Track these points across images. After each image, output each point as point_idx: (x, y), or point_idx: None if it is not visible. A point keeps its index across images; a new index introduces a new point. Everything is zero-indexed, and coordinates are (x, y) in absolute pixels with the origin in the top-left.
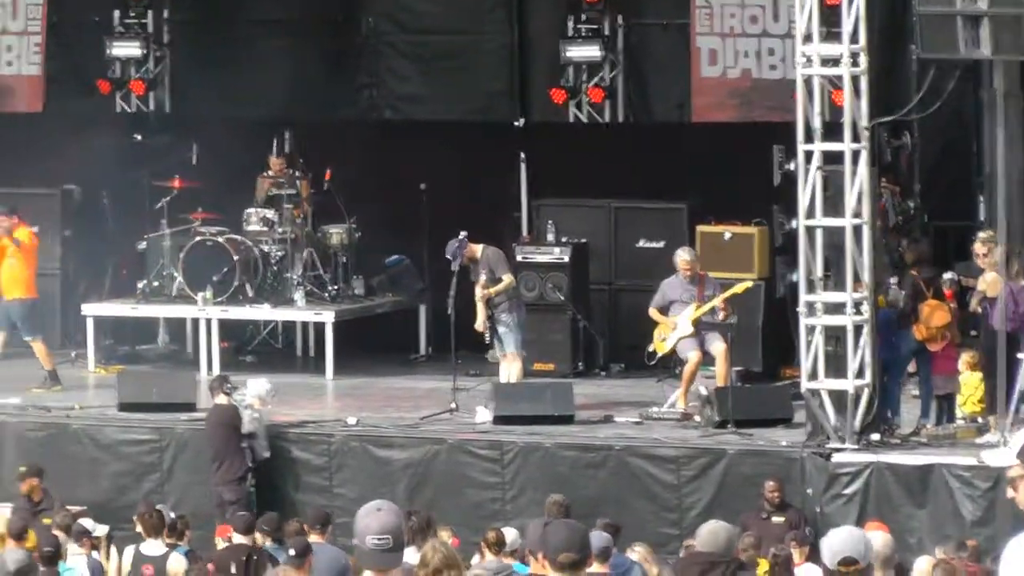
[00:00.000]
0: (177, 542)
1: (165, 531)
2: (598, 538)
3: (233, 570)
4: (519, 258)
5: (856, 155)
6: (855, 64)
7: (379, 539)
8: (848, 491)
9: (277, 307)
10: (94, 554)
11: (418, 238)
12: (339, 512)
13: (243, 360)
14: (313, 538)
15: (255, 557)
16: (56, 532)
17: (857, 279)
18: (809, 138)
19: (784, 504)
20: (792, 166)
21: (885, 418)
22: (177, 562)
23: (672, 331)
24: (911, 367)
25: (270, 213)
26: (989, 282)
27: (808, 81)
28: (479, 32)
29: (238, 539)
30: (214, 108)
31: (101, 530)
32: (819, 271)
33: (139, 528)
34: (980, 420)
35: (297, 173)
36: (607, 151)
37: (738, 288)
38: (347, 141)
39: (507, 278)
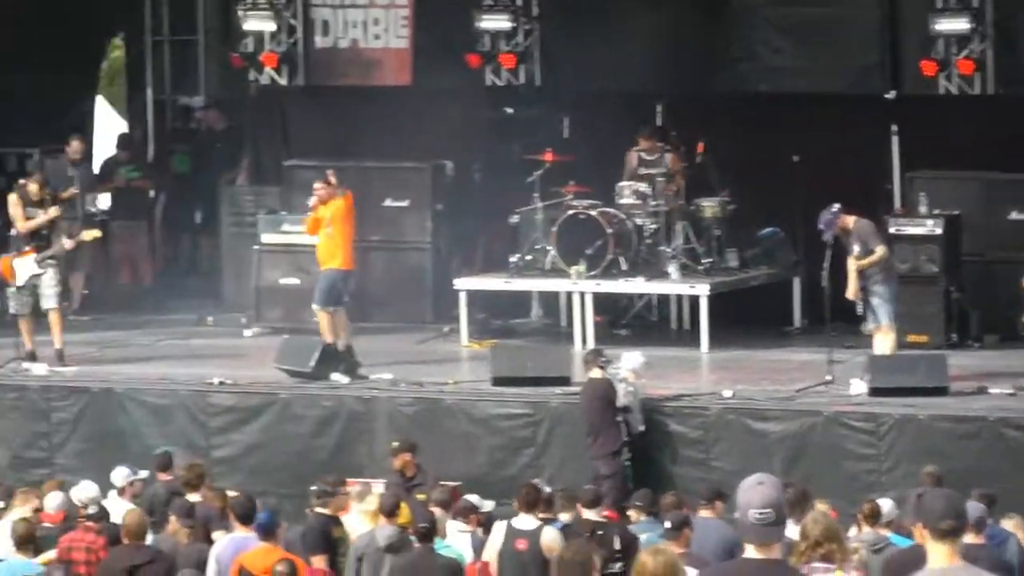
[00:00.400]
0: (552, 516)
1: (540, 505)
2: (973, 508)
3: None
4: (892, 230)
5: None
6: None
7: (761, 513)
8: None
9: (651, 280)
10: (478, 531)
11: (791, 210)
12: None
13: (617, 333)
14: (704, 513)
15: (600, 532)
16: (432, 508)
17: None
18: None
19: None
20: None
21: None
22: (551, 537)
23: None
24: None
25: (643, 186)
26: None
27: None
28: (850, 4)
29: (587, 514)
30: (584, 81)
31: (487, 506)
32: None
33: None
34: None
35: (667, 147)
36: (978, 123)
37: None
38: (718, 114)
39: (880, 250)
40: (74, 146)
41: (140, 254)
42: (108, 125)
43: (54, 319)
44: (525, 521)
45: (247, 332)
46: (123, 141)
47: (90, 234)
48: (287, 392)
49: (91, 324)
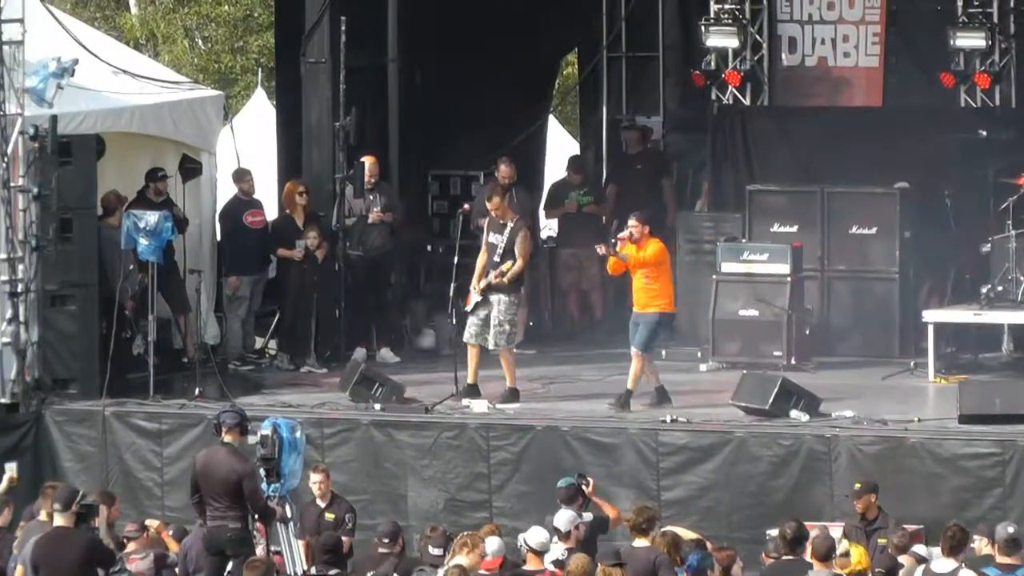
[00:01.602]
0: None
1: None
2: None
3: None
4: None
5: None
6: None
7: None
8: None
9: None
10: None
11: None
12: None
13: None
14: None
15: None
16: (892, 552)
17: None
18: None
19: None
20: None
21: None
22: None
23: None
24: None
25: None
26: None
27: None
28: None
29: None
30: None
31: (933, 554)
32: None
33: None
34: None
35: None
36: None
37: None
38: None
39: None
40: (503, 170)
41: (590, 284)
42: (560, 146)
43: (501, 359)
44: (944, 565)
45: (703, 366)
46: (575, 164)
47: (507, 265)
48: (743, 430)
49: (535, 358)
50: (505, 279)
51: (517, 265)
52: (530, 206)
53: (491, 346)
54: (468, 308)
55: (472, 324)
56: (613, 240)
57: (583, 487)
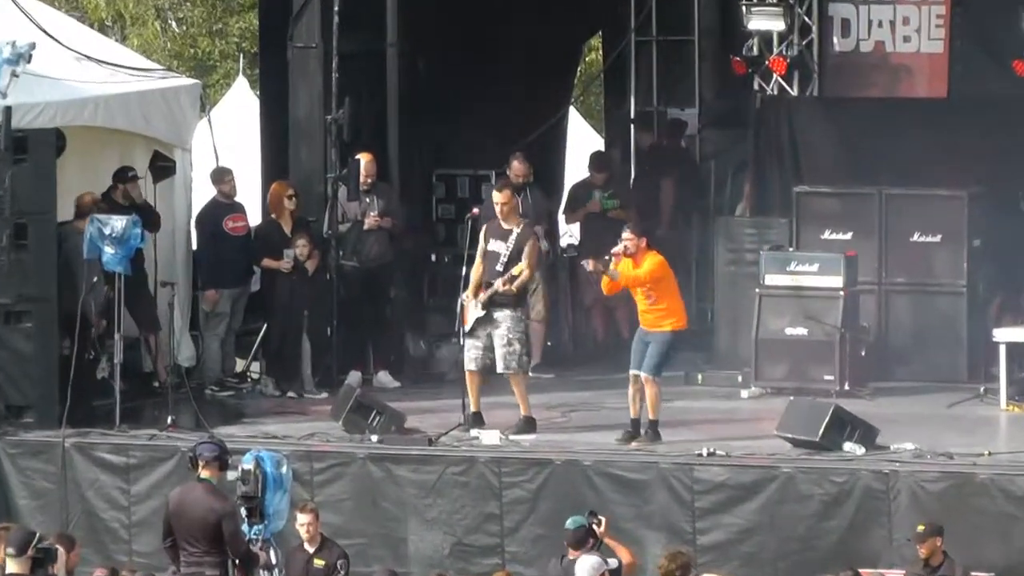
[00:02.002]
0: None
1: None
2: None
3: None
4: None
5: None
6: None
7: None
8: None
9: None
10: None
11: None
12: None
13: None
14: None
15: None
16: None
17: None
18: None
19: None
20: None
21: None
22: None
23: None
24: None
25: None
26: None
27: None
28: None
29: None
30: None
31: None
32: None
33: None
34: None
35: None
36: None
37: None
38: None
39: None
40: (516, 168)
41: (616, 299)
42: (582, 142)
43: (512, 384)
44: None
45: (744, 393)
46: (598, 161)
47: (519, 268)
48: (790, 465)
49: (554, 383)
50: (514, 286)
51: (526, 273)
52: (547, 208)
53: (500, 369)
54: (466, 328)
55: (472, 347)
56: (608, 256)
57: (595, 527)
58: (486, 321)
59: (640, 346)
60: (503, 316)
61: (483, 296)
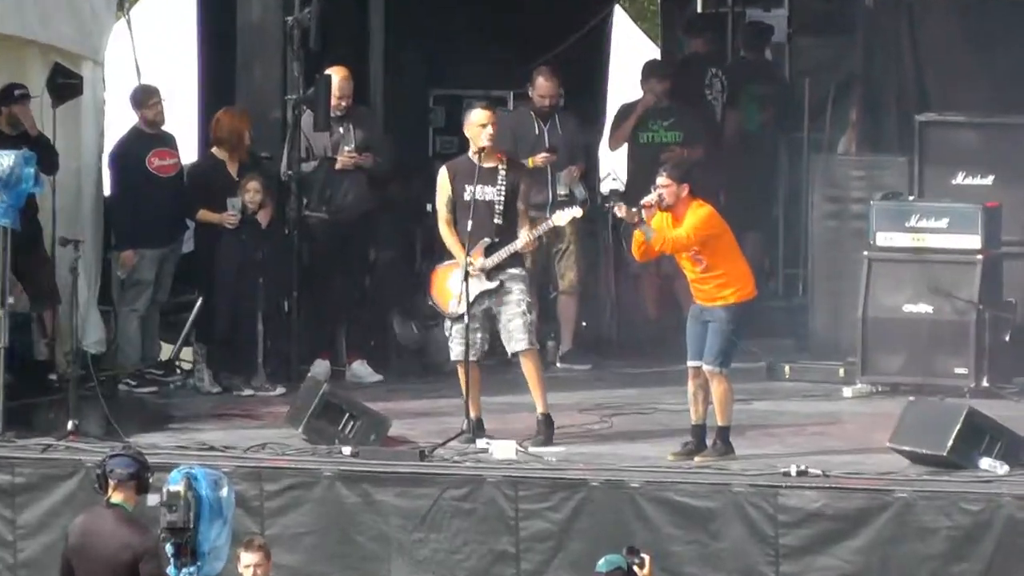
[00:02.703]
0: None
1: None
2: None
3: None
4: None
5: None
6: None
7: None
8: None
9: None
10: None
11: None
12: None
13: None
14: None
15: None
16: None
17: None
18: None
19: None
20: None
21: None
22: None
23: None
24: None
25: None
26: None
27: None
28: None
29: None
30: None
31: None
32: None
33: None
34: None
35: None
36: None
37: None
38: None
39: None
40: (542, 86)
41: (674, 265)
42: (631, 52)
43: (529, 369)
44: None
45: (847, 391)
46: (656, 72)
47: (565, 216)
48: (908, 489)
49: (590, 377)
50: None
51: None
52: (584, 142)
53: (520, 346)
54: (456, 309)
55: (462, 332)
56: (637, 207)
57: (635, 569)
58: (486, 294)
59: (697, 328)
60: (509, 278)
61: (492, 259)
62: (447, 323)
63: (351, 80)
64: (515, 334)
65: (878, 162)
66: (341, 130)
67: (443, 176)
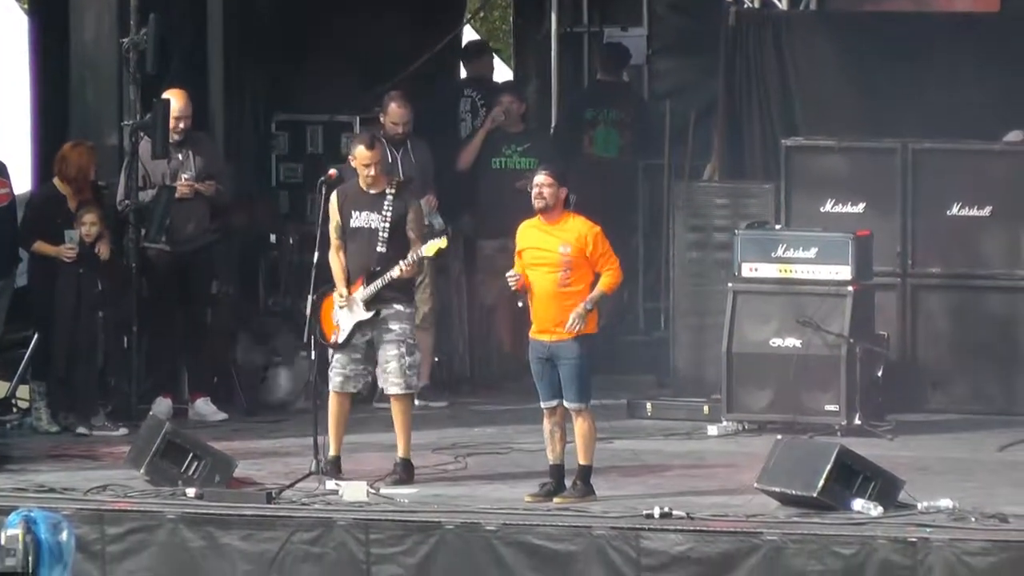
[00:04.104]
0: None
1: None
2: None
3: None
4: None
5: None
6: None
7: None
8: None
9: None
10: None
11: None
12: None
13: None
14: None
15: None
16: None
17: None
18: None
19: None
20: None
21: None
22: None
23: None
24: None
25: None
26: None
27: None
28: None
29: None
30: None
31: None
32: None
33: None
34: None
35: None
36: None
37: None
38: None
39: None
40: (394, 113)
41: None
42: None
43: (398, 412)
44: None
45: (712, 428)
46: (509, 93)
47: (433, 247)
48: (777, 531)
49: (445, 415)
50: (411, 263)
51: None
52: (435, 169)
53: (395, 389)
54: (340, 338)
55: (347, 363)
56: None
57: None
58: (367, 324)
59: (545, 368)
60: (394, 314)
61: (370, 290)
62: (329, 353)
63: (190, 104)
64: (391, 377)
65: (743, 189)
66: (180, 157)
67: (332, 202)
